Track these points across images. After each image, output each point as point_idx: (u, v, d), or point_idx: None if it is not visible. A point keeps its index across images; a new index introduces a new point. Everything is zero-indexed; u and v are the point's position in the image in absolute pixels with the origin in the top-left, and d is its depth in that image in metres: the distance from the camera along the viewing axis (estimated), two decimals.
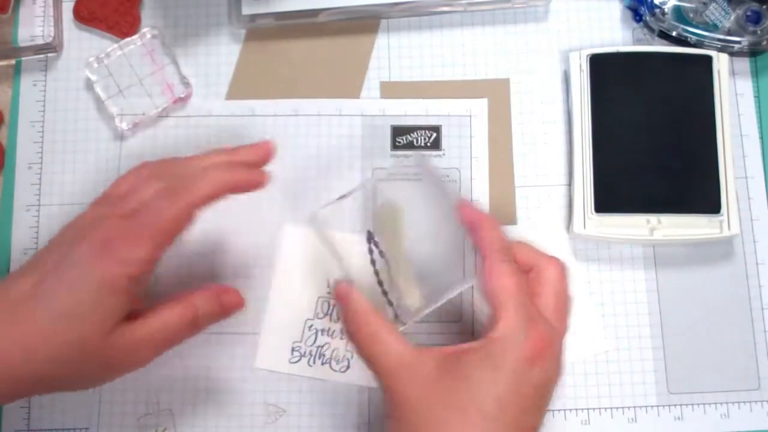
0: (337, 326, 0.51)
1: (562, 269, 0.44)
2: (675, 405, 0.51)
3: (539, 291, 0.44)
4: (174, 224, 0.42)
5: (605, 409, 0.51)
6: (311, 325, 0.52)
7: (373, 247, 0.51)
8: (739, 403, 0.51)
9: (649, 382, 0.52)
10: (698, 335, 0.52)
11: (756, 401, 0.51)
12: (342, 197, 0.48)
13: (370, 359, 0.43)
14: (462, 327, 0.52)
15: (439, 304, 0.46)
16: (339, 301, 0.45)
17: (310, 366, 0.51)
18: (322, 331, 0.52)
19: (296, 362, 0.51)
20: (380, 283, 0.51)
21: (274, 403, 0.51)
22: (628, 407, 0.51)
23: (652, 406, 0.51)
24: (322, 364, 0.51)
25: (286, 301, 0.52)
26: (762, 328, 0.52)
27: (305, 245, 0.53)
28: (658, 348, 0.52)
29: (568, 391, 0.51)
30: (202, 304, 0.44)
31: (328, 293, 0.52)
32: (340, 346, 0.51)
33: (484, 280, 0.43)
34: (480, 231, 0.44)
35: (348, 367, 0.51)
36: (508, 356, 0.41)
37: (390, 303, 0.50)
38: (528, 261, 0.45)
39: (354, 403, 0.51)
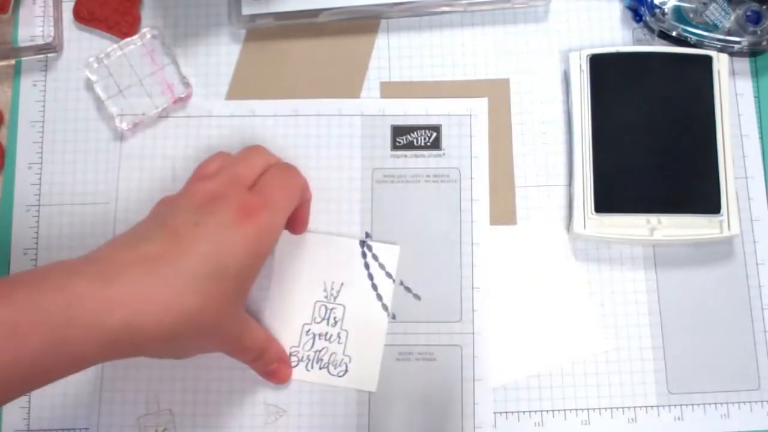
0: (335, 330, 0.52)
1: None
2: (675, 405, 0.51)
3: None
4: (297, 198, 0.48)
5: (605, 409, 0.51)
6: (308, 330, 0.52)
7: (366, 251, 0.52)
8: (739, 403, 0.51)
9: (649, 382, 0.52)
10: (698, 335, 0.52)
11: (756, 401, 0.51)
12: None
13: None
14: (462, 327, 0.52)
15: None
16: None
17: (308, 371, 0.51)
18: (320, 335, 0.52)
19: (294, 367, 0.51)
20: (374, 287, 0.51)
21: (274, 403, 0.51)
22: (628, 407, 0.51)
23: (652, 406, 0.51)
24: (320, 368, 0.51)
25: (282, 306, 0.52)
26: (762, 328, 0.52)
27: (301, 250, 0.53)
28: (658, 348, 0.52)
29: (568, 392, 0.51)
30: (272, 353, 0.50)
31: (325, 297, 0.52)
32: (338, 350, 0.51)
33: None
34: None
35: (346, 371, 0.51)
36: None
37: (385, 307, 0.51)
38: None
39: (353, 403, 0.51)
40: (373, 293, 0.52)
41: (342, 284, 0.52)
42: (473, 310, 0.52)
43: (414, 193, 0.54)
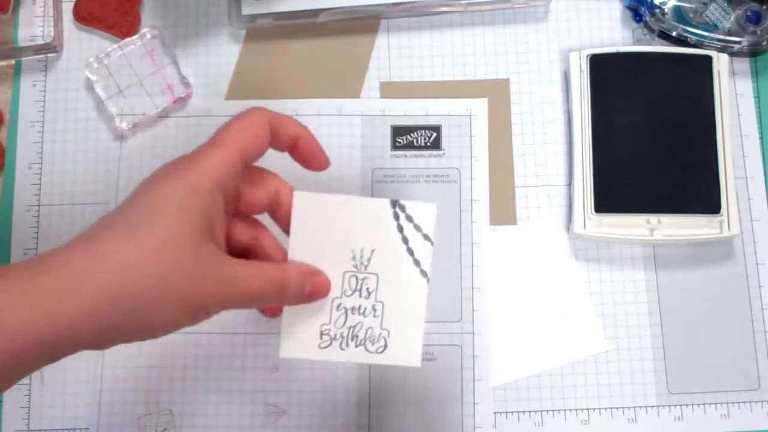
0: (369, 303, 0.46)
1: None
2: (675, 405, 0.51)
3: None
4: (254, 133, 0.41)
5: (605, 409, 0.51)
6: (339, 304, 0.46)
7: (399, 211, 0.46)
8: (739, 403, 0.51)
9: (649, 382, 0.52)
10: (698, 335, 0.52)
11: (756, 401, 0.51)
12: None
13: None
14: (461, 326, 0.52)
15: None
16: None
17: (343, 350, 0.45)
18: (352, 309, 0.46)
19: (327, 347, 0.45)
20: (410, 251, 0.46)
21: (274, 403, 0.51)
22: (628, 407, 0.51)
23: (652, 406, 0.51)
24: (356, 346, 0.45)
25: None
26: (762, 328, 0.52)
27: (323, 215, 0.46)
28: (658, 348, 0.52)
29: (568, 392, 0.51)
30: (294, 277, 0.42)
31: (355, 267, 0.46)
32: (374, 324, 0.45)
33: None
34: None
35: (385, 346, 0.45)
36: None
37: (423, 273, 0.46)
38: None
39: (353, 403, 0.51)
40: (410, 258, 0.46)
41: (373, 251, 0.46)
42: (473, 310, 0.52)
43: (414, 193, 0.54)
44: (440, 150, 0.55)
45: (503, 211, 0.54)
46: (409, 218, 0.45)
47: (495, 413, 0.51)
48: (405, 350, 0.45)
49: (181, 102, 0.56)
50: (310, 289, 0.43)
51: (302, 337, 0.45)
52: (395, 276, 0.46)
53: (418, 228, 0.46)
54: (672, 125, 0.53)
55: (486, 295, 0.52)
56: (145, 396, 0.51)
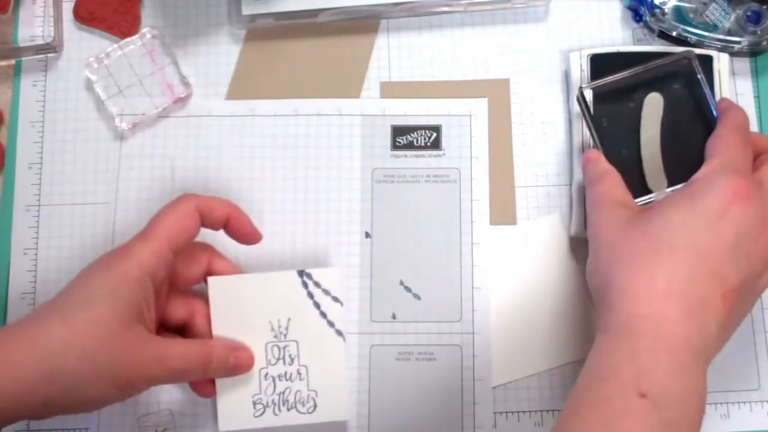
0: (294, 368, 0.49)
1: None
2: None
3: (762, 166, 0.45)
4: (182, 224, 0.45)
5: None
6: (267, 374, 0.49)
7: (306, 279, 0.49)
8: (739, 403, 0.51)
9: None
10: None
11: (756, 401, 0.51)
12: None
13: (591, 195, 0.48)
14: (462, 327, 0.52)
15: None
16: (587, 164, 0.49)
17: (276, 415, 0.49)
18: (279, 376, 0.49)
19: (261, 415, 0.49)
20: (323, 314, 0.49)
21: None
22: None
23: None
24: (288, 410, 0.49)
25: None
26: (762, 328, 0.52)
27: (237, 294, 0.49)
28: None
29: (568, 392, 0.51)
30: (217, 352, 0.46)
31: (275, 337, 0.49)
32: (301, 387, 0.49)
33: (708, 144, 0.46)
34: (724, 111, 0.48)
35: (315, 406, 0.49)
36: (705, 196, 0.42)
37: (339, 333, 0.49)
38: (761, 144, 0.47)
39: (353, 404, 0.51)
40: (323, 321, 0.49)
41: (289, 320, 0.49)
42: (473, 310, 0.52)
43: (414, 193, 0.54)
44: (440, 150, 0.55)
45: (503, 211, 0.54)
46: (317, 284, 0.50)
47: (495, 413, 0.51)
48: (333, 406, 0.49)
49: (181, 102, 0.56)
50: (234, 362, 0.47)
51: (237, 410, 0.49)
52: (313, 339, 0.49)
53: (326, 292, 0.50)
54: (672, 125, 0.53)
55: (486, 295, 0.52)
56: (145, 396, 0.51)
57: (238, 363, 0.47)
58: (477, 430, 0.51)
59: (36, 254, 0.54)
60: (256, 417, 0.49)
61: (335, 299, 0.49)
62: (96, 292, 0.42)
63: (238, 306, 0.49)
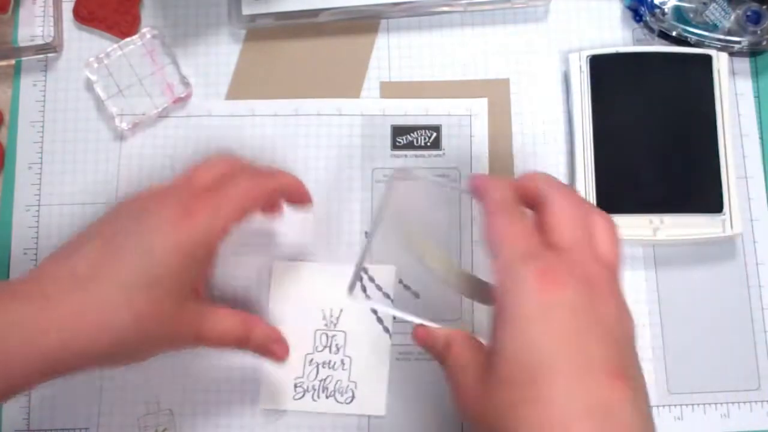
0: (338, 357, 0.51)
1: (565, 196, 0.40)
2: (675, 405, 0.51)
3: (544, 223, 0.39)
4: (253, 201, 0.44)
5: None
6: (311, 360, 0.51)
7: (363, 273, 0.51)
8: (739, 403, 0.51)
9: (649, 382, 0.51)
10: (698, 335, 0.52)
11: (756, 401, 0.51)
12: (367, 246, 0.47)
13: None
14: (462, 326, 0.52)
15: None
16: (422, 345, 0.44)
17: (315, 401, 0.51)
18: (323, 364, 0.51)
19: (300, 398, 0.51)
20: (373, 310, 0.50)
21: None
22: None
23: (652, 406, 0.51)
24: (327, 397, 0.51)
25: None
26: (762, 328, 0.52)
27: (296, 280, 0.52)
28: (658, 348, 0.52)
29: None
30: (257, 334, 0.46)
31: (325, 325, 0.51)
32: (342, 377, 0.51)
33: (484, 239, 0.40)
34: (482, 191, 0.41)
35: (353, 397, 0.50)
36: (517, 302, 0.36)
37: (386, 330, 0.50)
38: (532, 191, 0.41)
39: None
40: (373, 317, 0.52)
41: (341, 310, 0.52)
42: (473, 309, 0.52)
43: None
44: (440, 150, 0.55)
45: None
46: (371, 279, 0.50)
47: None
48: (371, 400, 0.50)
49: (181, 102, 0.56)
50: (269, 350, 0.47)
51: (278, 390, 0.51)
52: (361, 333, 0.51)
53: (379, 287, 0.52)
54: (673, 125, 0.53)
55: None
56: (145, 396, 0.51)
57: (272, 353, 0.47)
58: None
59: (36, 254, 0.54)
60: (295, 399, 0.51)
61: (386, 295, 0.51)
62: (159, 268, 0.41)
63: (296, 291, 0.51)
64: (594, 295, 0.37)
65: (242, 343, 0.46)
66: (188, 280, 0.42)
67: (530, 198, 0.41)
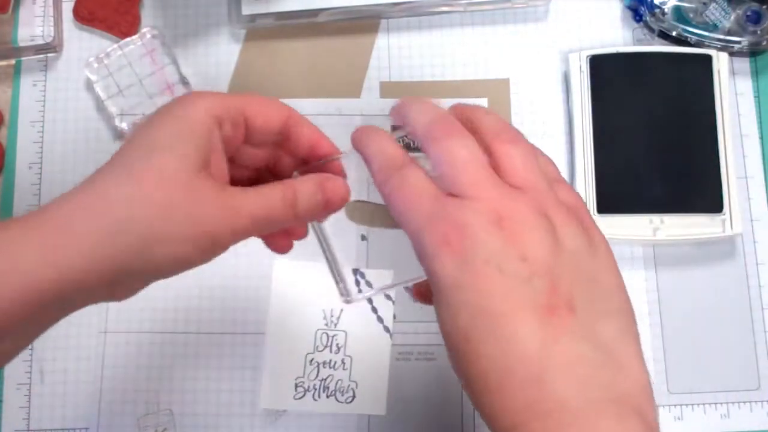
0: (339, 357, 0.51)
1: (520, 145, 0.34)
2: (675, 405, 0.51)
3: (498, 159, 0.34)
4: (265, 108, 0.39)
5: None
6: (312, 359, 0.51)
7: (359, 278, 0.49)
8: (739, 403, 0.51)
9: None
10: (698, 335, 0.52)
11: (756, 401, 0.51)
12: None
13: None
14: None
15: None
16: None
17: (315, 400, 0.51)
18: (324, 363, 0.51)
19: (301, 398, 0.51)
20: (374, 310, 0.50)
21: None
22: None
23: None
24: (327, 397, 0.51)
25: (284, 337, 0.52)
26: (762, 328, 0.52)
27: (297, 280, 0.52)
28: (658, 348, 0.52)
29: None
30: (303, 188, 0.38)
31: (326, 325, 0.52)
32: (343, 377, 0.51)
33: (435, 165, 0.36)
34: (407, 115, 0.37)
35: (353, 397, 0.51)
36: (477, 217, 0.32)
37: (386, 329, 0.50)
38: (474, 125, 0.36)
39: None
40: (374, 316, 0.52)
41: (341, 310, 0.52)
42: None
43: None
44: None
45: None
46: (369, 284, 0.50)
47: None
48: (371, 400, 0.50)
49: None
50: (323, 196, 0.38)
51: (279, 390, 0.51)
52: (361, 333, 0.51)
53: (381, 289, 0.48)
54: (673, 124, 0.53)
55: None
56: (145, 396, 0.51)
57: (329, 196, 0.39)
58: (477, 430, 0.51)
59: None
60: (296, 399, 0.51)
61: (388, 297, 0.52)
62: (160, 140, 0.36)
63: (296, 291, 0.51)
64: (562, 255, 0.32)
65: (293, 204, 0.38)
66: (194, 148, 0.36)
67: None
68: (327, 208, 0.39)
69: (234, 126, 0.38)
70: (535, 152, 0.35)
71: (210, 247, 0.36)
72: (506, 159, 0.34)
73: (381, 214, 0.45)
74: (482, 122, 0.36)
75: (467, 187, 0.33)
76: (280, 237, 0.41)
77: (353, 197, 0.40)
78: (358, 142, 0.38)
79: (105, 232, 0.33)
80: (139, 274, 0.35)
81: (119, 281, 0.35)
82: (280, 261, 0.52)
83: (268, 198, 0.37)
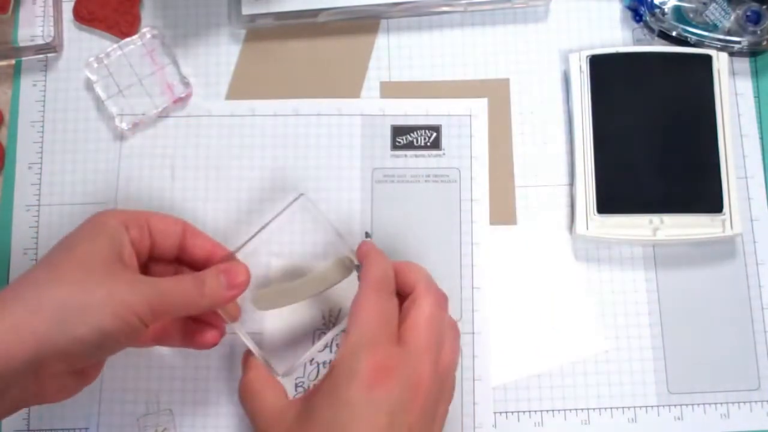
0: None
1: (437, 303, 0.43)
2: (675, 405, 0.51)
3: (407, 316, 0.42)
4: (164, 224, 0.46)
5: (605, 409, 0.51)
6: (312, 360, 0.51)
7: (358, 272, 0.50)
8: (739, 403, 0.51)
9: (649, 382, 0.52)
10: (698, 335, 0.52)
11: (756, 401, 0.51)
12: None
13: (249, 415, 0.45)
14: (462, 326, 0.52)
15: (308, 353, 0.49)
16: (242, 363, 0.47)
17: None
18: (324, 364, 0.51)
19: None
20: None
21: None
22: (628, 407, 0.51)
23: (652, 406, 0.51)
24: None
25: (281, 339, 0.51)
26: (762, 328, 0.52)
27: (296, 279, 0.51)
28: (658, 348, 0.52)
29: (568, 392, 0.51)
30: (208, 272, 0.44)
31: (324, 325, 0.51)
32: None
33: (351, 306, 0.43)
34: (364, 264, 0.45)
35: None
36: (347, 384, 0.39)
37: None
38: (410, 283, 0.44)
39: None
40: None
41: (340, 310, 0.52)
42: (473, 310, 0.52)
43: (414, 193, 0.54)
44: (440, 150, 0.55)
45: (503, 211, 0.54)
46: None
47: (495, 413, 0.51)
48: None
49: (181, 102, 0.56)
50: (225, 277, 0.44)
51: None
52: None
53: None
54: (673, 124, 0.53)
55: (486, 295, 0.52)
56: (145, 396, 0.51)
57: (231, 278, 0.44)
58: (477, 430, 0.51)
59: (36, 254, 0.54)
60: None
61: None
62: (78, 239, 0.42)
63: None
64: (416, 404, 0.40)
65: (201, 286, 0.43)
66: (107, 243, 0.42)
67: (403, 286, 0.44)
68: (230, 288, 0.44)
69: (139, 230, 0.44)
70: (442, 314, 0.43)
71: (131, 319, 0.40)
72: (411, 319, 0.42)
73: (285, 296, 0.48)
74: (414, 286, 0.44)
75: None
76: (200, 333, 0.47)
77: (253, 287, 0.46)
78: (363, 252, 0.46)
79: (29, 311, 0.38)
80: (63, 353, 0.39)
81: (45, 361, 0.39)
82: (278, 260, 0.52)
83: (180, 280, 0.43)
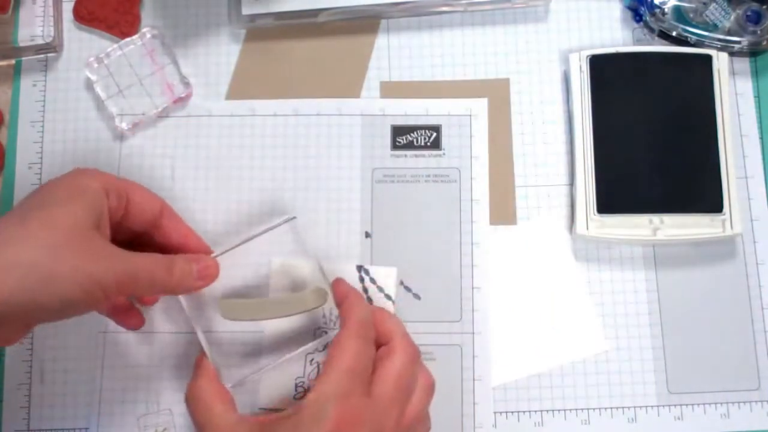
0: None
1: (409, 358, 0.44)
2: (675, 405, 0.51)
3: (380, 367, 0.43)
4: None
5: (605, 409, 0.51)
6: (312, 359, 0.51)
7: (364, 275, 0.51)
8: (739, 403, 0.51)
9: (649, 382, 0.52)
10: (698, 335, 0.52)
11: (756, 401, 0.51)
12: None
13: (195, 424, 0.44)
14: (462, 326, 0.52)
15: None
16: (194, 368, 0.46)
17: None
18: (323, 363, 0.51)
19: (301, 398, 0.49)
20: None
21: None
22: (628, 407, 0.51)
23: (652, 406, 0.51)
24: None
25: (282, 338, 0.51)
26: (762, 328, 0.52)
27: (295, 279, 0.52)
28: (658, 348, 0.52)
29: (568, 392, 0.51)
30: (180, 258, 0.45)
31: (324, 324, 0.51)
32: None
33: (329, 349, 0.44)
34: (344, 305, 0.45)
35: None
36: (311, 429, 0.40)
37: None
38: (387, 333, 0.45)
39: None
40: None
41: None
42: (473, 310, 0.52)
43: (414, 193, 0.54)
44: (440, 150, 0.55)
45: (503, 211, 0.54)
46: (373, 280, 0.52)
47: (495, 413, 0.51)
48: None
49: (181, 102, 0.56)
50: (196, 266, 0.45)
51: (279, 390, 0.50)
52: None
53: (381, 289, 0.52)
54: (673, 124, 0.53)
55: (486, 295, 0.52)
56: (145, 396, 0.51)
57: (201, 268, 0.45)
58: (477, 430, 0.51)
59: None
60: (296, 399, 0.51)
61: (388, 297, 0.51)
62: (55, 198, 0.41)
63: (295, 290, 0.51)
64: None
65: (170, 268, 0.43)
66: (84, 209, 0.41)
67: (379, 335, 0.45)
68: (200, 278, 0.45)
69: (118, 199, 0.43)
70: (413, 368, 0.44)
71: (95, 293, 0.39)
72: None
73: (251, 310, 0.49)
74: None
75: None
76: (132, 312, 0.49)
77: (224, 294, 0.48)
78: (344, 294, 0.46)
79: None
80: (23, 313, 0.38)
81: (4, 318, 0.38)
82: (278, 259, 0.52)
83: (153, 258, 0.43)
